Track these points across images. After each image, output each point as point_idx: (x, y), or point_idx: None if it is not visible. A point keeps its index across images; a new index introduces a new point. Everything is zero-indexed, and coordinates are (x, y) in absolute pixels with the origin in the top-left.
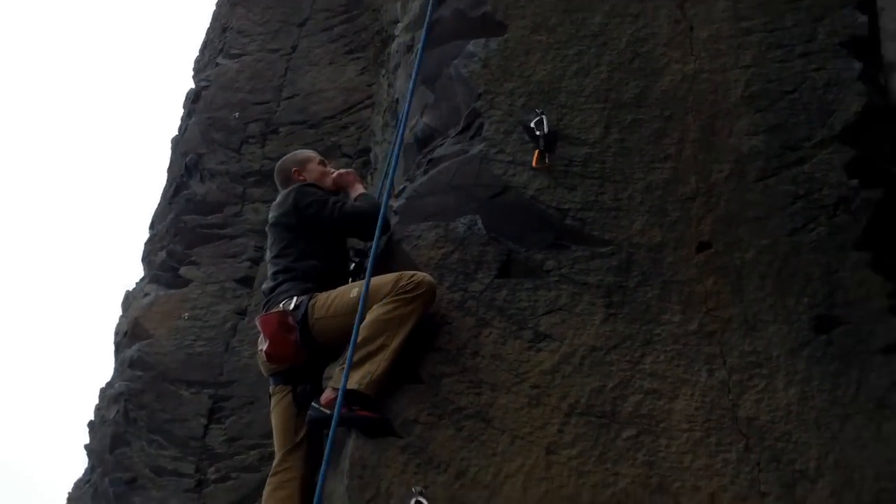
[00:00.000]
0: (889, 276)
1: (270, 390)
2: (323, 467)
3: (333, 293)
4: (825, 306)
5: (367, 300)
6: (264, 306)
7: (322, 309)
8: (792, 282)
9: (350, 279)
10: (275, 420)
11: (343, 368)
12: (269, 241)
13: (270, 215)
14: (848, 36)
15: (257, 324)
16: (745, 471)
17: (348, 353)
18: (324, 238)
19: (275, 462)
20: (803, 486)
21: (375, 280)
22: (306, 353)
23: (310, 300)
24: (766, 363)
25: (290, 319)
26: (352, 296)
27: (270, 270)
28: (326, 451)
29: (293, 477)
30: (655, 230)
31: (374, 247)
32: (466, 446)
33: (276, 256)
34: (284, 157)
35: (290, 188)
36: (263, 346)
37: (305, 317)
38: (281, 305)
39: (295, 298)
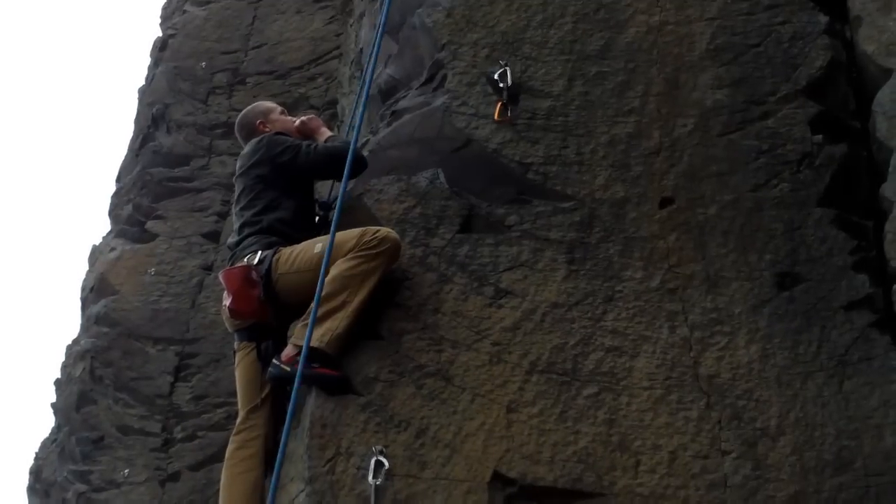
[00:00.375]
0: (852, 233)
1: (234, 346)
2: (286, 427)
3: (297, 248)
4: (787, 263)
5: (335, 250)
6: (229, 260)
7: (285, 264)
8: (755, 238)
9: (316, 233)
10: (238, 377)
11: (305, 325)
12: (235, 194)
13: (238, 165)
14: None
15: (220, 279)
16: (706, 429)
17: (311, 309)
18: (293, 188)
19: (238, 420)
20: (764, 443)
21: (339, 235)
22: (270, 310)
23: (274, 255)
24: (728, 320)
25: (254, 274)
26: (315, 251)
27: (236, 223)
28: (290, 411)
29: (256, 436)
30: (618, 185)
31: (342, 188)
32: (427, 404)
33: (242, 209)
34: (245, 111)
35: (259, 138)
36: (227, 301)
37: (269, 272)
38: (245, 260)
39: (259, 253)
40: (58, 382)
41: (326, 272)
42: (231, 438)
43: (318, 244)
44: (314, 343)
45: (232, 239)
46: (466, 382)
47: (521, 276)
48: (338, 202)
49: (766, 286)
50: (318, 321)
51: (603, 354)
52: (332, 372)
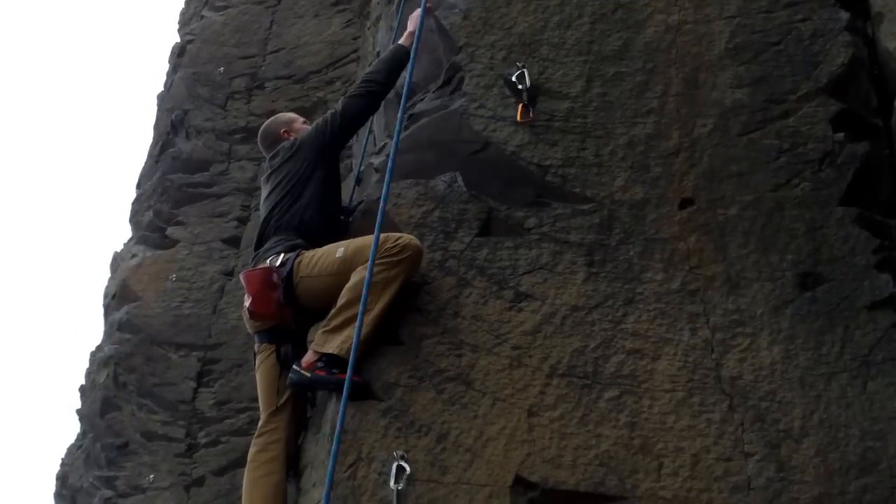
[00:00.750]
0: (874, 232)
1: (255, 348)
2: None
3: (320, 252)
4: (809, 263)
5: (355, 257)
6: (252, 261)
7: (307, 268)
8: (776, 238)
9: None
10: (259, 380)
11: (325, 331)
12: (262, 195)
13: (268, 166)
14: None
15: (241, 280)
16: (729, 431)
17: (333, 314)
18: (325, 183)
19: (260, 423)
20: (788, 445)
21: (360, 240)
22: (290, 313)
23: (296, 257)
24: (750, 321)
25: (275, 277)
26: (337, 256)
27: (262, 222)
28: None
29: (278, 439)
30: (637, 187)
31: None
32: (447, 409)
33: (269, 209)
34: (267, 122)
35: (293, 139)
36: (247, 302)
37: (291, 274)
38: (267, 262)
39: (282, 255)
40: (82, 389)
41: (373, 265)
42: (253, 441)
43: (340, 248)
44: (333, 350)
45: (256, 238)
46: (487, 386)
47: (540, 280)
48: (396, 128)
49: (788, 287)
50: (338, 329)
51: (624, 357)
52: (353, 378)
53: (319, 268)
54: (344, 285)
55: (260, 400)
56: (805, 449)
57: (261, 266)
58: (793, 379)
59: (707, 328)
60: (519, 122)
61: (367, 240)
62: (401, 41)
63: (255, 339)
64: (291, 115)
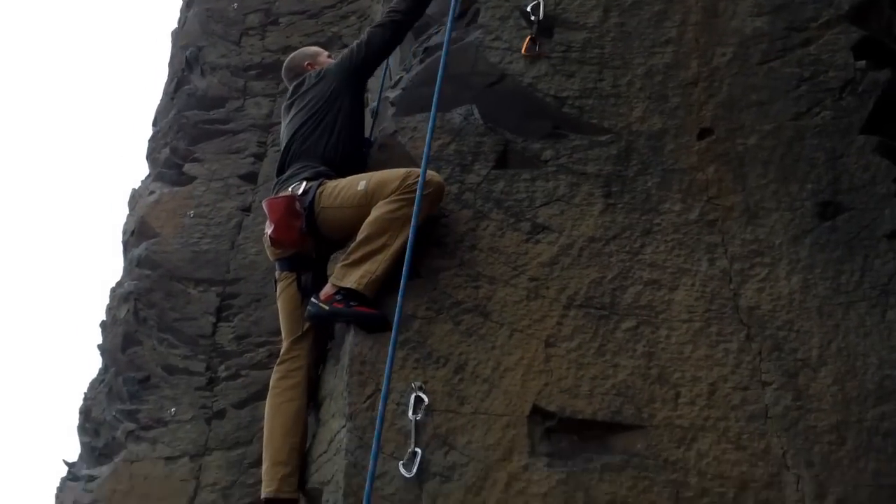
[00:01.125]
0: (895, 160)
1: (276, 276)
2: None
3: (343, 182)
4: (829, 192)
5: (377, 190)
6: (274, 188)
7: (329, 198)
8: (795, 168)
9: (362, 169)
10: (280, 308)
11: (344, 265)
12: (284, 121)
13: (291, 93)
14: None
15: (264, 207)
16: (746, 360)
17: (351, 247)
18: (350, 110)
19: (282, 350)
20: (806, 374)
21: (383, 174)
22: (311, 241)
23: (318, 186)
24: (769, 251)
25: (298, 205)
26: (359, 188)
27: (283, 149)
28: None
29: (300, 366)
30: (655, 117)
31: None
32: (465, 340)
33: (291, 134)
34: (292, 55)
35: (318, 69)
36: (268, 230)
37: (312, 203)
38: (290, 189)
39: (304, 183)
40: (103, 324)
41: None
42: (275, 368)
43: (362, 181)
44: (352, 284)
45: (279, 165)
46: (504, 318)
47: (557, 211)
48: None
49: (807, 216)
50: (357, 263)
51: (641, 288)
52: (371, 310)
53: (342, 199)
54: (365, 218)
55: (282, 327)
56: (823, 378)
57: (283, 194)
58: (811, 308)
59: (725, 258)
60: (524, 55)
61: (390, 173)
62: None
63: (276, 266)
64: (317, 48)
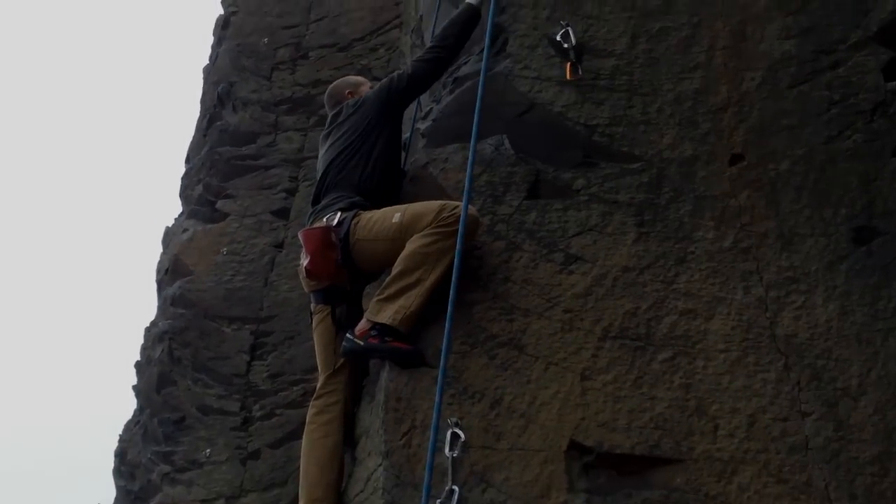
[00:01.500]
0: None
1: (311, 308)
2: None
3: (377, 214)
4: (864, 217)
5: (412, 224)
6: (310, 217)
7: (363, 230)
8: (829, 192)
9: (397, 200)
10: (316, 341)
11: (379, 300)
12: (321, 150)
13: (329, 122)
14: None
15: (300, 238)
16: (786, 390)
17: (386, 281)
18: (387, 141)
19: (318, 384)
20: (846, 404)
21: (417, 207)
22: (346, 273)
23: (353, 217)
24: (804, 278)
25: (333, 236)
26: (393, 221)
27: (318, 179)
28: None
29: (336, 401)
30: (686, 144)
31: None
32: (500, 374)
33: (327, 164)
34: (335, 83)
35: (357, 98)
36: (304, 261)
37: (347, 235)
38: (325, 220)
39: (339, 214)
40: (138, 365)
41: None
42: (311, 402)
43: (397, 214)
44: (386, 320)
45: (314, 194)
46: (539, 351)
47: (590, 241)
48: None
49: (842, 241)
50: (391, 298)
51: (677, 318)
52: (406, 345)
53: (376, 231)
54: (399, 251)
55: (318, 361)
56: (863, 407)
57: (318, 225)
58: (849, 336)
59: (761, 286)
60: (568, 79)
61: (424, 207)
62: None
63: (311, 298)
64: (360, 78)
